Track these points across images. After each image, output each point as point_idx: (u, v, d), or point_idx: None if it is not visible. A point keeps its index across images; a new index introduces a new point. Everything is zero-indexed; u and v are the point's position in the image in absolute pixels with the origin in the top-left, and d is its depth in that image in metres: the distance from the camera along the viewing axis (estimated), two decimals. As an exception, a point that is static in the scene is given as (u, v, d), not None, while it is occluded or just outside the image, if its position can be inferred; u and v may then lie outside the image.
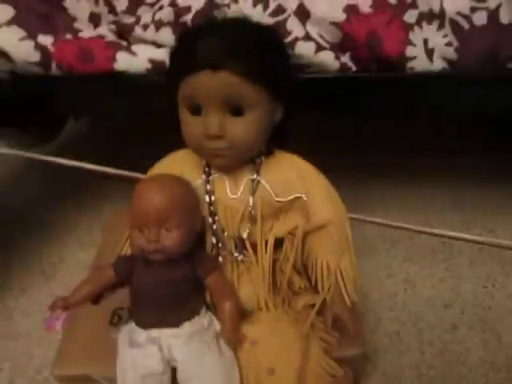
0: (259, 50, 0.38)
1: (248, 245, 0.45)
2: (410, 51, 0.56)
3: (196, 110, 0.40)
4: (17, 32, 0.54)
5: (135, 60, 0.55)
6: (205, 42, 0.37)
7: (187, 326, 0.44)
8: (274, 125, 0.43)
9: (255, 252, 0.45)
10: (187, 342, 0.43)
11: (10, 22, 0.55)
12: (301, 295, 0.49)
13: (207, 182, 0.44)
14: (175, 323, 0.44)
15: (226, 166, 0.42)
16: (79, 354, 0.55)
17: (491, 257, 0.79)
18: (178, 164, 0.46)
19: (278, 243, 0.46)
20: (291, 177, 0.45)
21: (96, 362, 0.53)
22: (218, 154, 0.40)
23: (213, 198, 0.44)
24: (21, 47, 0.54)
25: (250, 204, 0.44)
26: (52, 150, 0.74)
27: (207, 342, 0.43)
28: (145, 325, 0.44)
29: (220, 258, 0.46)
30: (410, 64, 0.57)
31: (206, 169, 0.45)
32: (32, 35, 0.55)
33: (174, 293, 0.43)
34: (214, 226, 0.45)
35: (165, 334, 0.43)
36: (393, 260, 0.79)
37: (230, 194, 0.44)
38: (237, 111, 0.39)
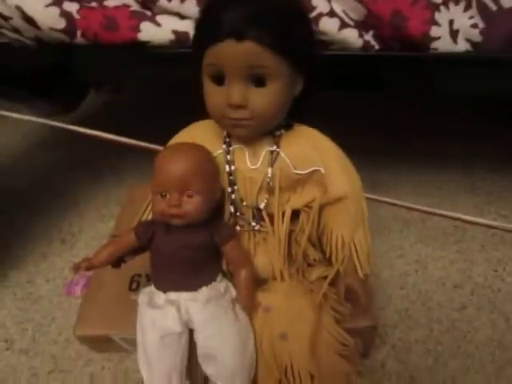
0: (284, 21, 0.38)
1: (265, 215, 0.46)
2: (434, 31, 0.55)
3: (219, 80, 0.40)
4: (43, -1, 0.55)
5: (159, 31, 0.56)
6: (230, 11, 0.37)
7: (205, 291, 0.45)
8: (294, 98, 0.44)
9: (272, 222, 0.47)
10: (204, 306, 0.44)
11: (36, -10, 0.55)
12: (315, 267, 0.51)
13: (227, 152, 0.45)
14: (193, 287, 0.45)
15: (247, 136, 0.43)
16: (99, 316, 0.58)
17: (504, 241, 0.79)
18: (200, 133, 0.47)
19: (295, 215, 0.47)
20: (310, 150, 0.45)
21: (115, 324, 0.56)
22: (240, 123, 0.41)
23: (233, 167, 0.45)
24: (46, 14, 0.55)
25: (269, 175, 0.45)
26: (73, 120, 0.75)
27: (223, 307, 0.45)
28: (164, 288, 0.46)
29: (237, 227, 0.48)
30: (433, 44, 0.56)
31: (227, 139, 0.46)
32: (57, 2, 0.56)
33: (193, 258, 0.45)
34: (233, 196, 0.46)
35: (183, 297, 0.45)
36: (405, 241, 0.80)
37: (250, 164, 0.45)
38: (259, 82, 0.40)
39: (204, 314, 0.44)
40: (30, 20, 0.57)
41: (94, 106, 1.24)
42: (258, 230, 0.47)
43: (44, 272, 0.78)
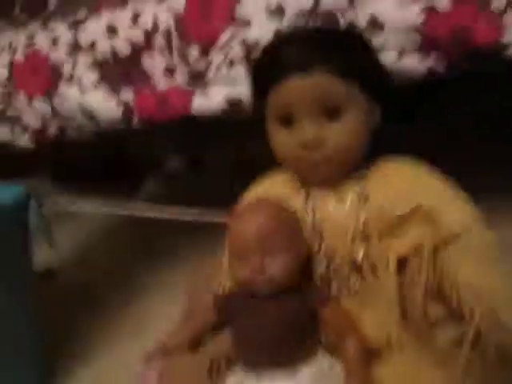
0: (349, 49, 0.36)
1: (366, 268, 0.39)
2: (507, 37, 0.50)
3: (287, 121, 0.37)
4: (101, 92, 0.58)
5: (211, 102, 0.56)
6: (290, 46, 0.36)
7: (305, 371, 0.37)
8: (372, 130, 0.39)
9: (375, 276, 0.39)
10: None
11: (95, 84, 0.58)
12: (440, 327, 0.40)
13: (307, 200, 0.40)
14: (289, 367, 0.37)
15: (328, 178, 0.38)
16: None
17: None
18: (271, 186, 0.43)
19: (400, 265, 0.39)
20: (404, 185, 0.39)
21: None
22: (318, 165, 0.37)
23: (317, 216, 0.39)
24: (105, 105, 0.57)
25: (362, 220, 0.38)
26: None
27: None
28: (254, 370, 0.38)
29: (332, 287, 0.40)
30: (509, 51, 0.50)
31: (304, 187, 0.41)
32: (115, 93, 0.58)
33: (286, 331, 0.37)
34: (322, 249, 0.39)
35: (279, 381, 0.36)
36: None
37: (336, 210, 0.39)
38: (333, 115, 0.36)
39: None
40: (90, 115, 0.59)
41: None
42: (359, 287, 0.40)
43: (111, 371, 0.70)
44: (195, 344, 0.41)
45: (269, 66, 0.37)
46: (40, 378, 0.68)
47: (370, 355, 0.38)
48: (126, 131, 0.60)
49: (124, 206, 0.65)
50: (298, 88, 0.35)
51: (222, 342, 0.41)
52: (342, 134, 0.36)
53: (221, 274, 0.45)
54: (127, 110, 0.57)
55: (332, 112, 0.36)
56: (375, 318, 0.39)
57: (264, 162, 0.41)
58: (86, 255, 1.15)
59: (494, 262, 0.37)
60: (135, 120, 0.58)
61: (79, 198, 0.73)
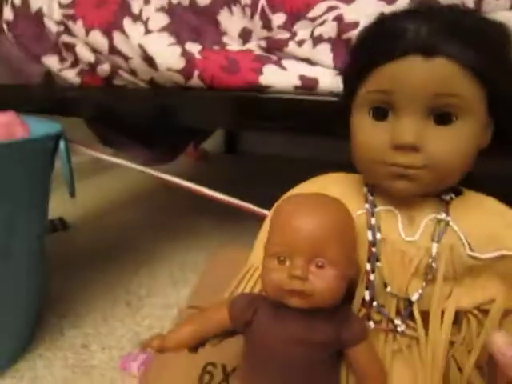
0: (488, 39, 0.28)
1: (416, 312, 0.32)
2: None
3: (382, 113, 0.30)
4: (166, 38, 0.52)
5: (284, 74, 0.49)
6: (415, 21, 0.28)
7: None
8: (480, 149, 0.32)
9: (426, 324, 0.32)
10: None
11: (162, 29, 0.53)
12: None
13: (372, 214, 0.33)
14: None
15: (411, 193, 0.31)
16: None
17: None
18: (332, 186, 0.35)
19: (455, 320, 0.32)
20: (496, 226, 0.31)
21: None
22: (407, 173, 0.29)
23: (378, 235, 0.32)
24: (167, 52, 0.52)
25: (433, 253, 0.31)
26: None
27: None
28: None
29: (371, 323, 0.33)
30: None
31: (370, 197, 0.34)
32: (181, 42, 0.52)
33: (309, 360, 0.31)
34: (372, 276, 0.32)
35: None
36: None
37: (404, 235, 0.32)
38: (444, 118, 0.29)
39: None
40: (149, 60, 0.54)
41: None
42: (402, 333, 0.33)
43: (101, 337, 0.67)
44: (196, 345, 0.36)
45: (383, 38, 0.30)
46: (28, 331, 0.66)
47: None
48: (181, 91, 0.55)
49: (155, 171, 0.59)
50: (412, 73, 0.28)
51: (224, 347, 0.35)
52: (449, 142, 0.29)
53: (245, 270, 0.39)
54: (190, 63, 0.52)
55: (443, 114, 0.29)
56: (409, 371, 0.32)
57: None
58: (103, 213, 1.15)
59: None
60: (195, 75, 0.52)
61: (115, 153, 0.69)
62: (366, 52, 0.31)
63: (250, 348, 0.33)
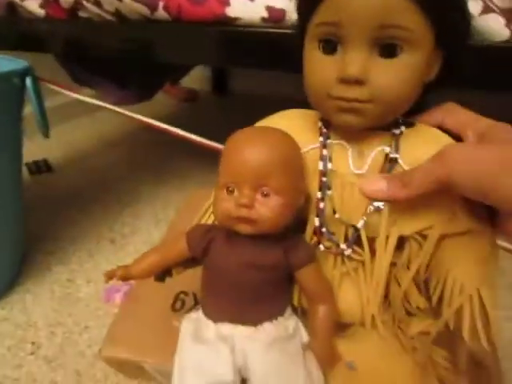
0: None
1: (364, 237, 0.34)
2: None
3: (330, 46, 0.30)
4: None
5: (251, 6, 0.47)
6: None
7: (268, 328, 0.34)
8: (425, 85, 0.32)
9: (371, 249, 0.34)
10: (267, 350, 0.32)
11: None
12: (417, 317, 0.36)
13: (324, 146, 0.34)
14: (253, 322, 0.34)
15: (358, 125, 0.31)
16: (132, 337, 0.48)
17: None
18: (287, 122, 0.36)
19: (398, 244, 0.34)
20: None
21: (150, 350, 0.46)
22: (352, 106, 0.30)
23: (329, 165, 0.33)
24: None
25: None
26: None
27: (291, 355, 0.33)
28: (215, 317, 0.35)
29: (321, 247, 0.35)
30: None
31: (324, 130, 0.34)
32: (143, -29, 0.50)
33: (259, 281, 0.33)
34: (322, 204, 0.34)
35: (240, 333, 0.33)
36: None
37: (353, 168, 0.33)
38: (388, 51, 0.28)
39: (266, 362, 0.32)
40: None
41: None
42: (349, 257, 0.35)
43: (87, 272, 0.71)
44: (162, 274, 0.38)
45: None
46: (14, 268, 0.68)
47: (339, 328, 0.36)
48: (147, 23, 0.53)
49: (133, 112, 0.58)
50: (360, 2, 0.27)
51: (196, 277, 0.38)
52: (394, 75, 0.29)
53: (207, 205, 0.40)
54: (153, -6, 0.49)
55: (389, 46, 0.28)
56: (355, 292, 0.35)
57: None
58: (87, 155, 1.15)
59: (491, 272, 0.32)
60: (160, 7, 0.50)
61: (91, 95, 0.67)
62: None
63: (207, 272, 0.36)
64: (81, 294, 0.66)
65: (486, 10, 0.43)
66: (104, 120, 1.38)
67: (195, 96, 1.61)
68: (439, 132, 0.34)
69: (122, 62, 0.64)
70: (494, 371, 0.34)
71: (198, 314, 0.36)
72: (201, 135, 0.57)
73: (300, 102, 0.35)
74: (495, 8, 0.43)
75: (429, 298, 0.35)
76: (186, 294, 0.52)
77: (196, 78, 1.44)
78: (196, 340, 0.34)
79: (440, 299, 0.34)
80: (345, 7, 0.28)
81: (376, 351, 0.35)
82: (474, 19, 0.42)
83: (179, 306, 0.51)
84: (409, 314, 0.37)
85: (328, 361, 0.34)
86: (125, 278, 0.37)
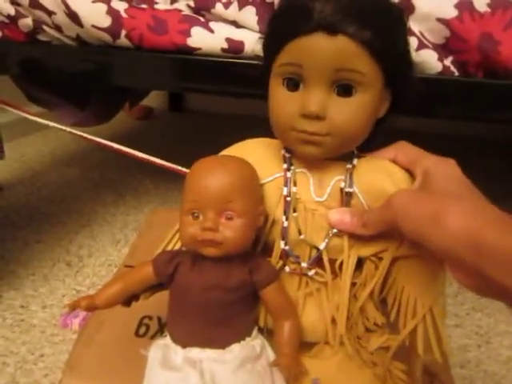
0: (385, 20, 0.31)
1: (325, 259, 0.36)
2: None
3: (293, 84, 0.33)
4: (90, -7, 0.50)
5: (211, 37, 0.49)
6: (322, 0, 0.30)
7: (236, 350, 0.35)
8: (378, 119, 0.35)
9: (332, 270, 0.37)
10: (235, 372, 0.34)
11: (84, -16, 0.50)
12: (376, 333, 0.39)
13: (288, 170, 0.36)
14: (221, 344, 0.35)
15: (318, 156, 0.34)
16: (95, 365, 0.47)
17: None
18: (253, 150, 0.38)
19: (357, 265, 0.37)
20: (386, 187, 0.36)
21: (115, 378, 0.45)
22: (312, 139, 0.33)
23: (294, 189, 0.36)
24: (92, 10, 0.50)
25: None
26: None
27: (259, 374, 0.34)
28: (184, 342, 0.35)
29: (286, 269, 0.38)
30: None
31: (287, 157, 0.37)
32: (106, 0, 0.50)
33: (226, 302, 0.35)
34: (286, 223, 0.36)
35: (208, 357, 0.34)
36: (460, 308, 0.69)
37: (314, 195, 0.36)
38: (345, 90, 0.32)
39: (235, 383, 0.33)
40: (73, 16, 0.51)
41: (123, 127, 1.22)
42: (312, 278, 0.37)
43: (42, 297, 0.68)
44: (127, 300, 0.38)
45: (292, 16, 0.32)
46: None
47: (303, 346, 0.37)
48: (109, 49, 0.53)
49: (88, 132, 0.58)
50: (317, 49, 0.30)
51: (160, 301, 0.38)
52: (350, 112, 0.32)
53: (173, 230, 0.41)
54: (116, 21, 0.50)
55: (345, 86, 0.32)
56: (318, 312, 0.37)
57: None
58: (40, 173, 1.11)
59: (443, 290, 0.36)
60: (123, 35, 0.51)
61: (43, 113, 0.66)
62: (277, 27, 0.33)
63: (174, 297, 0.37)
64: (35, 321, 0.64)
65: (421, 46, 0.48)
66: (57, 137, 1.34)
67: (151, 114, 1.60)
68: (388, 162, 0.37)
69: (81, 84, 0.63)
70: (447, 380, 0.37)
71: (165, 341, 0.37)
72: (157, 153, 0.58)
73: (253, 120, 0.37)
74: (429, 44, 0.49)
75: (387, 315, 0.38)
76: (149, 318, 0.52)
77: (152, 96, 1.44)
78: (164, 366, 0.34)
79: (398, 315, 0.37)
80: (306, 52, 0.31)
81: (339, 367, 0.37)
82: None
83: (143, 331, 0.51)
84: (368, 330, 0.39)
85: (294, 377, 0.35)
86: (89, 309, 0.36)
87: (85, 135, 0.57)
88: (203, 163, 0.34)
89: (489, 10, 0.48)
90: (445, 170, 0.32)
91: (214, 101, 1.55)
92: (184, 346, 0.35)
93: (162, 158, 0.58)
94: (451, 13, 0.48)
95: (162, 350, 0.36)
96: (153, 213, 0.75)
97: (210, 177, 0.33)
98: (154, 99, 1.61)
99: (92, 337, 0.50)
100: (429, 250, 0.29)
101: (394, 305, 0.37)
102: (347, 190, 0.35)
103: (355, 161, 0.37)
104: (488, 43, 0.47)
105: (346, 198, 0.35)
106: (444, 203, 0.29)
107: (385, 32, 0.31)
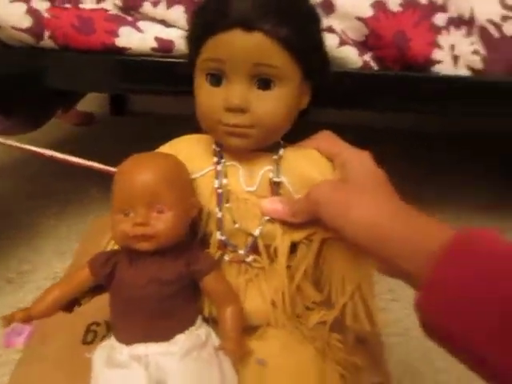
0: (300, 18, 0.34)
1: (261, 245, 0.38)
2: (436, 54, 0.53)
3: (216, 79, 0.34)
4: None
5: (140, 37, 0.50)
6: None
7: (181, 340, 0.36)
8: (300, 110, 0.38)
9: (268, 255, 0.38)
10: (182, 361, 0.34)
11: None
12: (314, 310, 0.42)
13: (218, 163, 0.38)
14: (166, 336, 0.36)
15: (244, 147, 0.36)
16: (41, 380, 0.45)
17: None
18: (184, 147, 0.39)
19: (291, 249, 0.39)
20: (313, 174, 0.38)
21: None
22: (238, 131, 0.34)
23: (224, 181, 0.37)
24: (10, 10, 0.48)
25: None
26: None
27: (206, 361, 0.35)
28: (127, 339, 0.36)
29: (225, 257, 0.39)
30: (435, 68, 0.53)
31: (218, 150, 0.38)
32: (26, -1, 0.49)
33: (165, 296, 0.35)
34: (219, 214, 0.37)
35: (153, 351, 0.35)
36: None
37: (245, 186, 0.38)
38: (265, 83, 0.34)
39: (182, 372, 0.34)
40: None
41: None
42: (251, 265, 0.39)
43: (-20, 317, 0.64)
44: (69, 306, 0.38)
45: (211, 13, 0.33)
46: None
47: (247, 330, 0.39)
48: (36, 51, 0.51)
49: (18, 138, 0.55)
50: (235, 45, 0.32)
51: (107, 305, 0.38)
52: (271, 104, 0.34)
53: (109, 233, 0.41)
54: (38, 22, 0.49)
55: (264, 81, 0.34)
56: (259, 296, 0.39)
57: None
58: None
59: (369, 265, 0.39)
60: (46, 36, 0.49)
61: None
62: (198, 24, 0.35)
63: (115, 297, 0.37)
64: (-25, 344, 0.60)
65: (342, 42, 0.51)
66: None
67: (91, 119, 1.54)
68: (314, 151, 0.40)
69: (5, 89, 0.60)
70: (377, 345, 0.40)
71: (110, 341, 0.37)
72: (100, 159, 0.57)
73: (197, 120, 0.38)
74: (349, 41, 0.52)
75: (321, 292, 0.41)
76: (97, 324, 0.51)
77: (93, 100, 1.39)
78: (109, 365, 0.34)
79: (329, 292, 0.39)
80: (225, 47, 0.32)
81: (282, 346, 0.39)
82: (332, 51, 0.51)
83: (91, 338, 0.50)
84: (308, 308, 0.42)
85: (240, 358, 0.37)
86: (26, 320, 0.36)
87: (14, 143, 0.55)
88: (129, 161, 0.35)
89: (401, 9, 0.52)
90: (358, 162, 0.35)
91: (159, 101, 1.53)
92: (129, 343, 0.35)
93: (103, 164, 0.57)
94: (368, 12, 0.51)
95: (107, 350, 0.36)
96: (97, 220, 0.74)
97: (136, 173, 0.34)
98: (95, 103, 1.56)
99: (37, 352, 0.49)
100: (343, 238, 0.32)
101: (326, 282, 0.40)
102: (275, 179, 0.37)
103: (281, 151, 0.39)
104: (401, 40, 0.51)
105: (275, 188, 0.37)
106: (350, 196, 0.32)
107: (300, 29, 0.33)
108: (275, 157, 0.38)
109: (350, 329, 0.39)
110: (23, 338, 0.59)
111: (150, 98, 1.56)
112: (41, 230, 0.86)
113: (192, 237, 0.38)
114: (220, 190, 0.37)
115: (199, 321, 0.38)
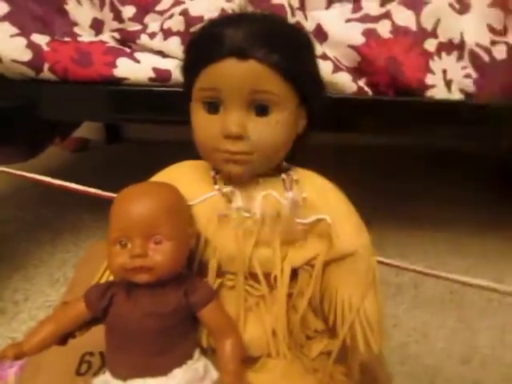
0: (292, 45, 0.34)
1: (260, 274, 0.37)
2: (429, 79, 0.54)
3: (213, 107, 0.35)
4: (8, 29, 0.50)
5: (138, 67, 0.51)
6: (233, 28, 0.33)
7: (179, 375, 0.35)
8: (297, 136, 0.38)
9: (268, 283, 0.38)
10: (179, 395, 0.33)
11: (2, 19, 0.50)
12: (315, 340, 0.41)
13: (218, 191, 0.37)
14: (163, 371, 0.34)
15: (243, 174, 0.36)
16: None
17: (503, 307, 0.73)
18: (181, 175, 0.39)
19: (292, 275, 0.38)
20: (312, 196, 0.38)
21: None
22: (236, 158, 0.34)
23: (223, 209, 0.37)
24: (11, 44, 0.49)
25: (267, 225, 0.37)
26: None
27: (205, 396, 0.34)
28: (124, 375, 0.34)
29: (224, 287, 0.38)
30: (429, 92, 0.54)
31: (216, 177, 0.38)
32: (25, 33, 0.50)
33: (162, 329, 0.34)
34: (217, 242, 0.37)
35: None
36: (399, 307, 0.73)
37: (243, 211, 0.37)
38: (261, 109, 0.34)
39: (180, 407, 0.33)
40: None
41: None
42: (250, 293, 0.38)
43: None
44: (63, 338, 0.37)
45: (206, 42, 0.34)
46: None
47: (247, 361, 0.38)
48: (35, 83, 0.52)
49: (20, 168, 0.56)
50: (230, 73, 0.32)
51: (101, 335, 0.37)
52: (268, 130, 0.34)
53: (103, 267, 0.40)
54: (37, 55, 0.50)
55: (261, 107, 0.34)
56: (259, 326, 0.38)
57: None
58: None
59: (373, 285, 0.38)
60: (46, 68, 0.50)
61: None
62: (193, 54, 0.36)
63: (110, 330, 0.36)
64: (-34, 379, 0.58)
65: (337, 69, 0.53)
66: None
67: (86, 145, 1.54)
68: (313, 174, 0.40)
69: (5, 120, 0.61)
70: (383, 376, 0.39)
71: (105, 377, 0.36)
72: (94, 185, 0.57)
73: (194, 147, 0.38)
74: (343, 67, 0.54)
75: (326, 320, 0.40)
76: (91, 354, 0.50)
77: (88, 127, 1.40)
78: (105, 401, 0.33)
79: (334, 318, 0.38)
80: (220, 76, 0.33)
81: (283, 377, 0.38)
82: (327, 77, 0.52)
83: (85, 369, 0.48)
84: (308, 337, 0.41)
85: (239, 393, 0.35)
86: (18, 357, 0.34)
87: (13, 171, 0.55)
88: (126, 191, 0.35)
89: (391, 35, 0.53)
90: None
91: (154, 129, 1.54)
92: (125, 379, 0.34)
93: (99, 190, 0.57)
94: (360, 39, 0.53)
95: (103, 385, 0.35)
96: (92, 246, 0.73)
97: (133, 203, 0.33)
98: (91, 130, 1.57)
99: (30, 382, 0.47)
100: None
101: (330, 309, 0.38)
102: (270, 195, 0.37)
103: (292, 172, 0.39)
104: (393, 65, 0.52)
105: (270, 207, 0.37)
106: None
107: (293, 55, 0.34)
108: (284, 177, 0.38)
109: (355, 357, 0.38)
110: (15, 370, 0.58)
111: (145, 125, 1.58)
112: (35, 259, 0.85)
113: (189, 265, 0.37)
114: (219, 217, 0.37)
115: (197, 354, 0.37)
